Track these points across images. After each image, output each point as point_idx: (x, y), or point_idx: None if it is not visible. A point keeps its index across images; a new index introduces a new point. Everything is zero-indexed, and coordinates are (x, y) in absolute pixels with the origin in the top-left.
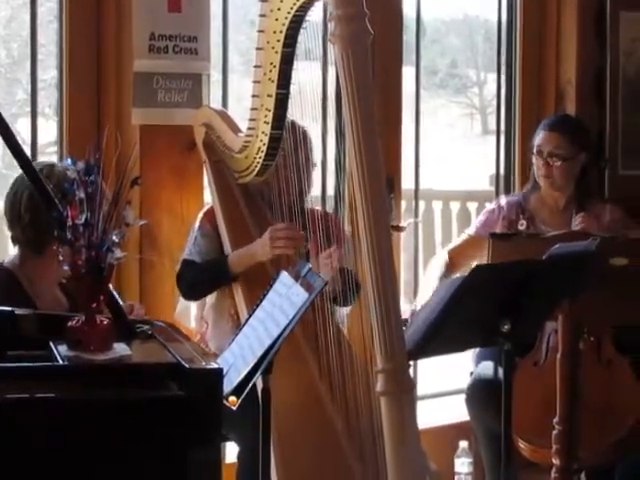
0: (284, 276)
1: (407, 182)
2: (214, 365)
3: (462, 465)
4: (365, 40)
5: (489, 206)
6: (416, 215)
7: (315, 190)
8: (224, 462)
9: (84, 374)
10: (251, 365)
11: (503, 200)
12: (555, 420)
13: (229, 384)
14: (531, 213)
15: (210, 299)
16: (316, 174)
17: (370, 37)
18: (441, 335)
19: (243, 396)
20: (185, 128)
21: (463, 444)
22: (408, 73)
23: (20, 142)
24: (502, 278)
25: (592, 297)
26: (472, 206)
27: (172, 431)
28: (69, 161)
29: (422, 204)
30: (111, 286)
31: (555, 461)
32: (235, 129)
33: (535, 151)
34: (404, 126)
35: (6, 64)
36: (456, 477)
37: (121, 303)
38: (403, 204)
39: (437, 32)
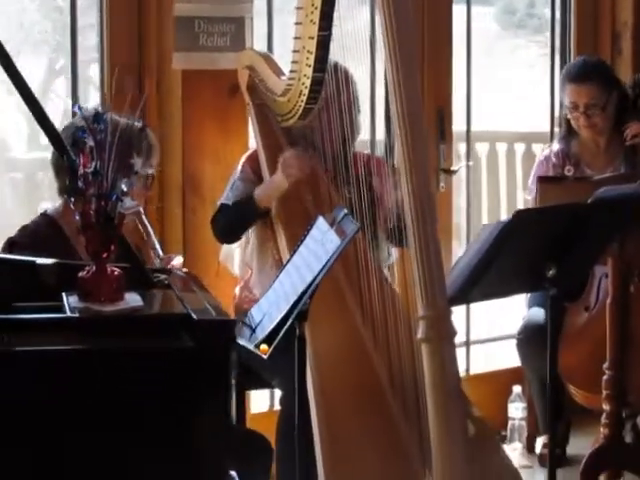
0: (320, 221)
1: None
2: (224, 317)
3: (516, 410)
4: None
5: (538, 159)
6: (468, 158)
7: (365, 134)
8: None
9: (90, 326)
10: (284, 313)
11: (548, 151)
12: (605, 365)
13: (262, 332)
14: (576, 158)
15: (253, 243)
16: (365, 118)
17: None
18: (483, 281)
19: (275, 344)
20: (228, 72)
21: (517, 389)
22: (486, 13)
23: (30, 89)
24: (545, 222)
25: None
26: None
27: (180, 381)
28: (77, 108)
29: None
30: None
31: (605, 406)
32: (278, 72)
33: (570, 107)
34: (478, 69)
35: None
36: (509, 422)
37: (160, 253)
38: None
39: None
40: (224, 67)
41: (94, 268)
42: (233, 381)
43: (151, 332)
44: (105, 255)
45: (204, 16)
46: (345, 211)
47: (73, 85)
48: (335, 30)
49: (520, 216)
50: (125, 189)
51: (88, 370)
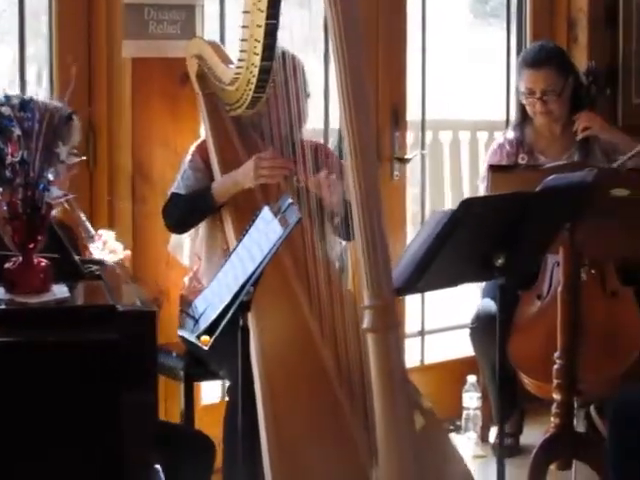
0: (265, 211)
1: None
2: (147, 308)
3: (470, 400)
4: None
5: (491, 148)
6: (422, 147)
7: (319, 123)
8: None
9: (14, 317)
10: (225, 303)
11: (502, 139)
12: (556, 354)
13: (205, 323)
14: (530, 146)
15: (202, 233)
16: (318, 106)
17: None
18: (431, 270)
19: (216, 335)
20: (179, 60)
21: (471, 379)
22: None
23: None
24: (493, 211)
25: (593, 228)
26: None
27: (105, 373)
28: (2, 96)
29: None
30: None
31: (556, 396)
32: (227, 61)
33: (526, 92)
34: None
35: None
36: (464, 412)
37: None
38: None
39: None
40: (174, 55)
41: (20, 259)
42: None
43: (76, 323)
44: (32, 246)
45: (154, 3)
46: (290, 201)
47: (21, 71)
48: (288, 19)
49: (467, 205)
50: (52, 178)
51: (12, 362)
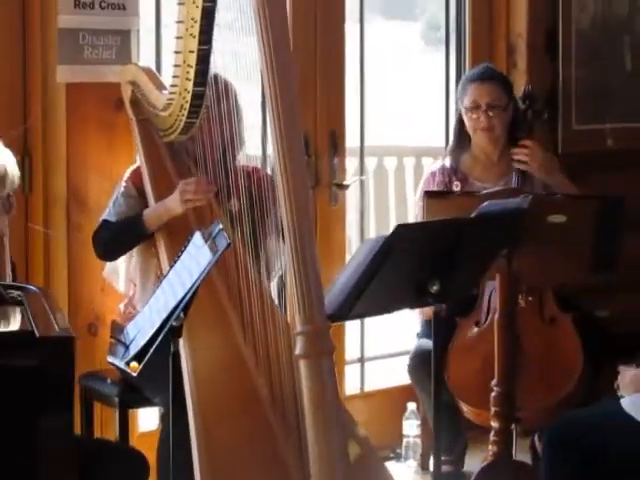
0: (197, 236)
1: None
2: (65, 334)
3: (410, 427)
4: None
5: (423, 177)
6: (361, 173)
7: (256, 149)
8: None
9: None
10: (155, 329)
11: (435, 166)
12: (493, 382)
13: (135, 349)
14: (463, 173)
15: (136, 259)
16: (255, 132)
17: None
18: (365, 296)
19: (144, 361)
20: (114, 86)
21: (411, 406)
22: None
23: None
24: (428, 237)
25: (530, 255)
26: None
27: (21, 399)
28: None
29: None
30: None
31: (494, 423)
32: (161, 87)
33: (471, 106)
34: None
35: None
36: (404, 439)
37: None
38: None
39: None
40: (110, 80)
41: None
42: (117, 400)
43: None
44: None
45: (89, 28)
46: (220, 226)
47: None
48: (227, 45)
49: (401, 231)
50: None
51: None
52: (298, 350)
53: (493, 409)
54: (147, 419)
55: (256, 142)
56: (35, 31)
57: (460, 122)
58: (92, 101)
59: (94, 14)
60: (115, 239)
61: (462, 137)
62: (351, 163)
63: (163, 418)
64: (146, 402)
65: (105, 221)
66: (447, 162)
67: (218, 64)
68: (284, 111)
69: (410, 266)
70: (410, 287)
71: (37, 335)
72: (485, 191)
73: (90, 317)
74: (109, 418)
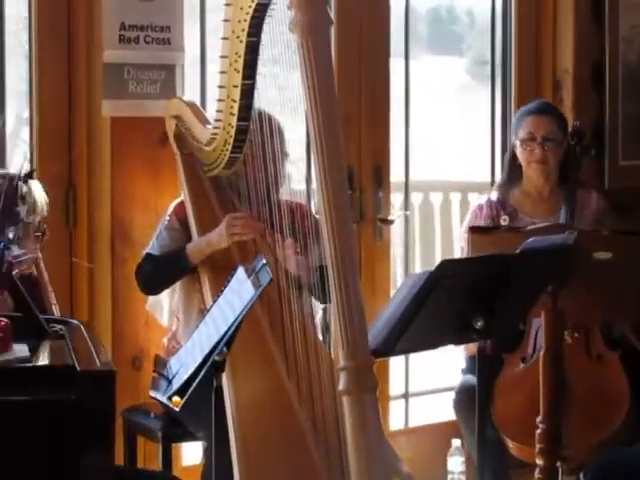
0: (240, 271)
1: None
2: (106, 368)
3: (455, 463)
4: (326, 28)
5: (470, 210)
6: (406, 208)
7: (301, 183)
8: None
9: None
10: (197, 364)
11: (482, 201)
12: (538, 419)
13: (177, 383)
14: (513, 207)
15: (179, 293)
16: (301, 167)
17: (331, 25)
18: (409, 332)
19: (187, 396)
20: (159, 120)
21: (456, 442)
22: (457, 64)
23: None
24: (472, 273)
25: (576, 292)
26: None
27: (62, 434)
28: None
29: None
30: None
31: (538, 461)
32: (205, 121)
33: (526, 137)
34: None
35: None
36: (449, 476)
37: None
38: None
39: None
40: (154, 115)
41: None
42: (160, 434)
43: (34, 383)
44: None
45: (134, 63)
46: (263, 261)
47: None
48: (274, 80)
49: (445, 266)
50: (11, 237)
51: None
52: (341, 386)
53: (538, 446)
54: (191, 453)
55: (301, 177)
56: (81, 66)
57: (512, 155)
58: (137, 135)
59: (139, 49)
60: (158, 273)
61: (514, 171)
62: (397, 198)
63: (206, 452)
64: (189, 436)
65: (148, 255)
66: (495, 195)
67: (264, 98)
68: (327, 145)
69: (454, 302)
70: (454, 323)
71: (78, 369)
72: (530, 227)
73: (134, 351)
74: (152, 452)
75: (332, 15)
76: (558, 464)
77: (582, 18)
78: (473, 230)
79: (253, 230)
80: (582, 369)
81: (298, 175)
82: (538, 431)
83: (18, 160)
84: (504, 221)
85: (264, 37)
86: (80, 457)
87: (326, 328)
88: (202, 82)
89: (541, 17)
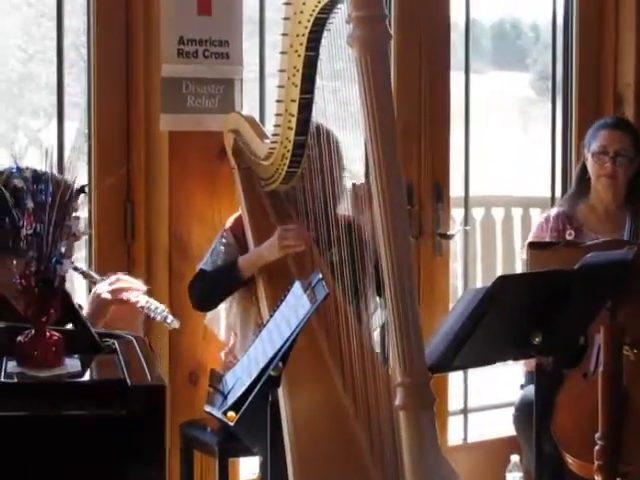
0: (296, 286)
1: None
2: (156, 383)
3: (513, 479)
4: (385, 43)
5: (537, 222)
6: (466, 223)
7: None
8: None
9: (23, 391)
10: (252, 379)
11: (549, 213)
12: (597, 435)
13: (233, 398)
14: (579, 222)
15: (236, 308)
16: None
17: (390, 40)
18: (466, 348)
19: (242, 411)
20: (217, 134)
21: (514, 458)
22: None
23: None
24: (529, 288)
25: (636, 307)
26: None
27: (112, 448)
28: (15, 168)
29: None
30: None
31: (597, 478)
32: (263, 135)
33: (598, 151)
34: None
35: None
36: None
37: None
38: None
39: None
40: (212, 129)
41: (33, 332)
42: (217, 449)
43: (85, 398)
44: (44, 319)
45: (192, 77)
46: (320, 276)
47: (59, 147)
48: (336, 94)
49: (503, 282)
50: (63, 251)
51: (20, 436)
52: (398, 401)
53: (597, 462)
54: (248, 468)
55: None
56: (139, 80)
57: (583, 168)
58: (195, 149)
59: (198, 63)
60: (209, 288)
61: (582, 184)
62: (458, 213)
63: (262, 467)
64: (246, 451)
65: (202, 270)
66: (560, 209)
67: (326, 113)
68: (385, 161)
69: (511, 318)
70: (512, 339)
71: (129, 384)
72: (589, 242)
73: (191, 366)
74: (209, 467)
75: (391, 29)
76: None
77: None
78: (532, 246)
79: (305, 241)
80: None
81: None
82: (597, 447)
83: (80, 174)
84: (569, 235)
85: (326, 52)
86: (130, 473)
87: (384, 343)
88: (261, 97)
89: (603, 31)
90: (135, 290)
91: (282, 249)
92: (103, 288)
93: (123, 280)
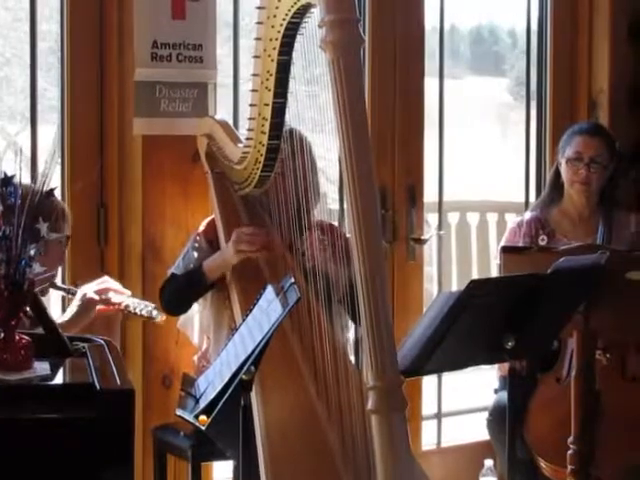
0: (269, 290)
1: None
2: (125, 387)
3: None
4: (357, 46)
5: (509, 227)
6: (440, 227)
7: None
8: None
9: None
10: (224, 383)
11: (522, 218)
12: (570, 440)
13: (205, 402)
14: (552, 227)
15: (209, 311)
16: (333, 187)
17: (362, 44)
18: (438, 352)
19: (214, 415)
20: (191, 138)
21: (488, 462)
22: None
23: None
24: (502, 292)
25: (608, 312)
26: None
27: (80, 452)
28: None
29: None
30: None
31: None
32: (236, 140)
33: (573, 157)
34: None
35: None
36: None
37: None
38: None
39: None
40: (186, 133)
41: (2, 335)
42: (190, 453)
43: (54, 401)
44: (13, 322)
45: (166, 81)
46: (292, 280)
47: (32, 150)
48: (314, 100)
49: (475, 286)
50: (32, 254)
51: None
52: (370, 405)
53: (569, 467)
54: (221, 472)
55: (335, 197)
56: (112, 84)
57: (556, 173)
58: (168, 153)
59: (171, 67)
60: (178, 292)
61: (556, 189)
62: (434, 218)
63: (235, 471)
64: (219, 455)
65: (173, 275)
66: (533, 214)
67: (304, 117)
68: (357, 165)
69: (484, 322)
70: (485, 343)
71: (98, 388)
72: (562, 247)
73: (164, 369)
74: (182, 471)
75: (366, 34)
76: None
77: (618, 38)
78: (505, 250)
79: (261, 245)
80: (617, 390)
81: (335, 195)
82: (570, 452)
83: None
84: (542, 241)
85: (304, 57)
86: (99, 476)
87: (357, 348)
88: (235, 101)
89: (577, 36)
90: (120, 292)
91: (237, 253)
92: (90, 287)
93: (109, 281)
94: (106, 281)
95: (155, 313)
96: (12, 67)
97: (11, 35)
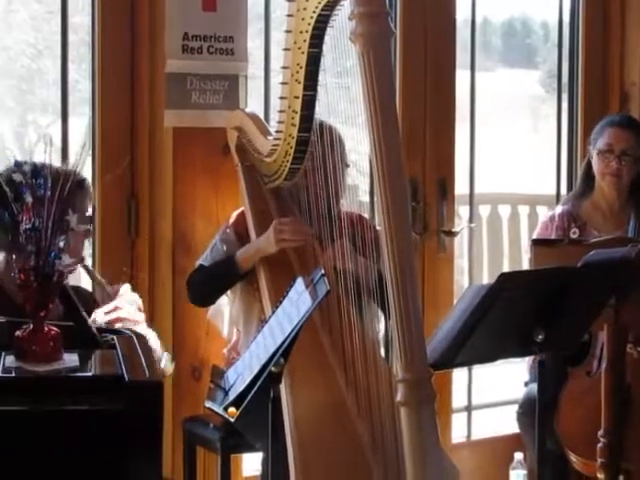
0: (298, 282)
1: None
2: (153, 378)
3: (517, 477)
4: (387, 39)
5: (541, 220)
6: (471, 220)
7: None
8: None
9: (20, 386)
10: (254, 375)
11: (554, 211)
12: (600, 433)
13: (234, 394)
14: (583, 220)
15: (239, 303)
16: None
17: (392, 36)
18: (468, 345)
19: (242, 407)
20: (221, 130)
21: (518, 456)
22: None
23: None
24: (533, 286)
25: (639, 305)
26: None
27: (109, 443)
28: (14, 163)
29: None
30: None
31: (600, 475)
32: (266, 133)
33: (604, 149)
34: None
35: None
36: None
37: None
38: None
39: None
40: (217, 125)
41: (31, 327)
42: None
43: (83, 393)
44: (43, 314)
45: (197, 73)
46: (321, 272)
47: (64, 143)
48: (345, 93)
49: (506, 279)
50: (62, 246)
51: (17, 430)
52: (399, 397)
53: (599, 460)
54: (250, 464)
55: (367, 189)
56: (143, 76)
57: (588, 165)
58: (199, 146)
59: (202, 59)
60: (207, 283)
61: (587, 182)
62: (465, 210)
63: (264, 463)
64: (248, 447)
65: (201, 266)
66: (565, 208)
67: (337, 110)
68: (387, 157)
69: (514, 315)
70: (514, 336)
71: (126, 379)
72: (593, 240)
73: (194, 361)
74: (212, 463)
75: (397, 27)
76: (621, 478)
77: None
78: (536, 243)
79: (302, 235)
80: None
81: (366, 187)
82: (600, 445)
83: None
84: (574, 234)
85: (335, 49)
86: (127, 467)
87: (387, 340)
88: (265, 94)
89: (609, 29)
90: (131, 322)
91: (279, 243)
92: (99, 317)
93: (122, 309)
94: (117, 309)
95: (163, 362)
96: (44, 59)
97: (43, 28)
